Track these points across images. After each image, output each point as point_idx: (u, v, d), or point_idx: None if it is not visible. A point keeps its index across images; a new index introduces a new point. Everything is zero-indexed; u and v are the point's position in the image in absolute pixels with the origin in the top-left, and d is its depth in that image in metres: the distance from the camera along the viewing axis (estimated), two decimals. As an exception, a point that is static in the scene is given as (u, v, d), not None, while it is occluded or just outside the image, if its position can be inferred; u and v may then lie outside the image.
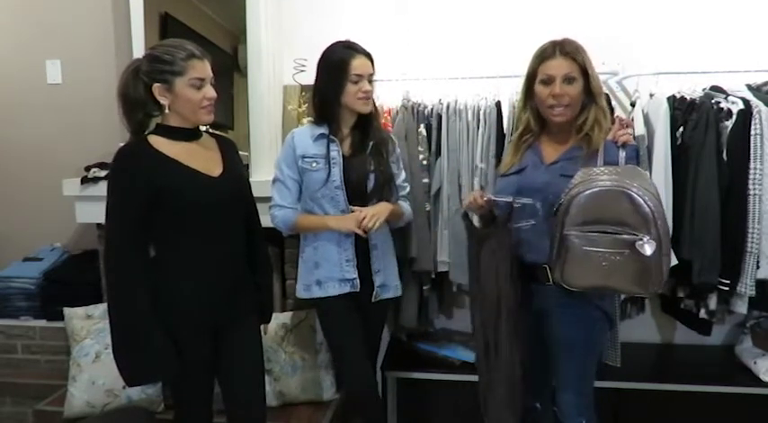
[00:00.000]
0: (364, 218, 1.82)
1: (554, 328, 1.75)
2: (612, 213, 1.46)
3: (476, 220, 1.87)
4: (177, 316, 1.60)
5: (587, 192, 1.47)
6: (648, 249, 1.44)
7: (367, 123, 1.94)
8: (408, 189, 2.11)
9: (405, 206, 2.05)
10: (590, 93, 1.68)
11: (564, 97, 1.66)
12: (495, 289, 1.74)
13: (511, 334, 1.74)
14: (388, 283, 2.01)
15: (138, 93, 1.56)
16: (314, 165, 1.90)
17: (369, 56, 1.90)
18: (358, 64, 1.86)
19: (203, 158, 1.63)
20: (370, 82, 1.89)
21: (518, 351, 1.75)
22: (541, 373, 1.85)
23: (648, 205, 1.44)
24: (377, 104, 2.04)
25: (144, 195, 1.51)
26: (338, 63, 1.86)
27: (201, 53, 1.57)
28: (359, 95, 1.87)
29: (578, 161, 1.65)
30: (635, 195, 1.44)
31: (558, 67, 1.66)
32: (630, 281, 1.51)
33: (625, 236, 1.46)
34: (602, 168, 1.53)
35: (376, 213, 1.85)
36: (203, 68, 1.57)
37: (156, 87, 1.54)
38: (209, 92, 1.58)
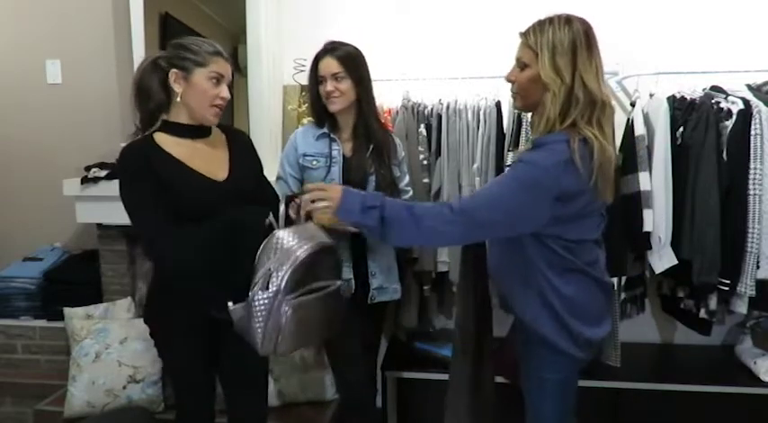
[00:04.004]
0: None
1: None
2: (313, 273, 1.44)
3: None
4: (178, 314, 1.60)
5: (288, 269, 1.39)
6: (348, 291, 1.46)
7: (367, 125, 1.94)
8: (411, 193, 2.10)
9: None
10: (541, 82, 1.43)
11: (513, 84, 1.52)
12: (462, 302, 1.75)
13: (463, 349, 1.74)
14: (386, 285, 2.00)
15: (153, 81, 1.56)
16: (314, 163, 1.92)
17: (336, 55, 1.87)
18: (322, 65, 1.88)
19: (209, 160, 1.61)
20: (338, 79, 1.86)
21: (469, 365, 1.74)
22: None
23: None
24: (376, 104, 2.02)
25: (154, 182, 1.50)
26: (311, 64, 1.92)
27: (227, 55, 1.59)
28: (323, 95, 1.89)
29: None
30: (319, 249, 1.42)
31: (518, 48, 1.50)
32: (327, 329, 1.53)
33: (330, 289, 1.47)
34: (287, 236, 1.43)
35: None
36: (225, 67, 1.59)
37: (174, 73, 1.54)
38: (224, 91, 1.59)
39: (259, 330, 1.39)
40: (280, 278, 1.37)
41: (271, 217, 1.48)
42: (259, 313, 1.38)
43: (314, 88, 1.92)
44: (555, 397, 1.57)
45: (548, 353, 1.52)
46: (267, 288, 1.37)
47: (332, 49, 1.88)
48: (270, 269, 1.38)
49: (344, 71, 1.87)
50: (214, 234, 1.49)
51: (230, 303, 1.41)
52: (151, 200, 1.50)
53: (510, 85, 1.54)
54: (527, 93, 1.48)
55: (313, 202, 1.48)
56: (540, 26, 1.44)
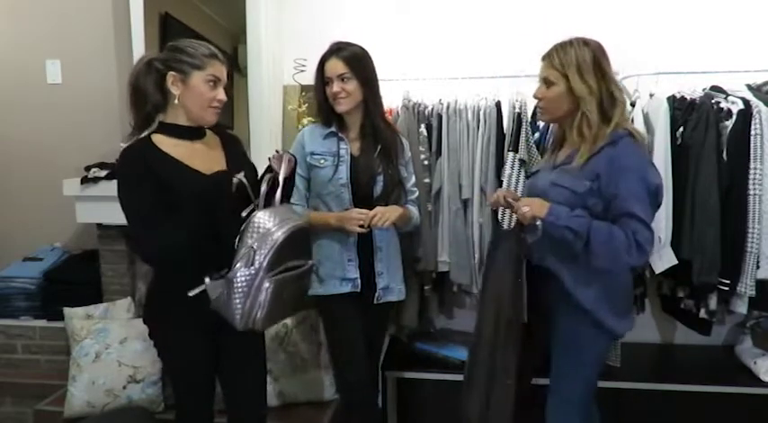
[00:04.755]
0: (374, 216, 1.82)
1: (555, 329, 1.76)
2: (290, 252, 1.50)
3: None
4: (177, 313, 1.61)
5: (271, 248, 1.45)
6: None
7: (374, 125, 1.94)
8: (417, 193, 2.09)
9: (413, 211, 2.03)
10: (575, 97, 1.64)
11: (540, 100, 1.73)
12: (500, 290, 1.77)
13: (507, 340, 1.76)
14: (392, 285, 2.00)
15: (149, 83, 1.57)
16: (322, 162, 1.92)
17: (342, 56, 1.87)
18: (327, 66, 1.88)
19: (207, 159, 1.62)
20: (344, 80, 1.86)
21: (513, 362, 1.76)
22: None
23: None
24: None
25: (153, 182, 1.51)
26: (318, 65, 1.92)
27: (223, 58, 1.61)
28: (330, 96, 1.90)
29: (568, 171, 1.66)
30: (296, 230, 1.49)
31: (541, 69, 1.71)
32: (297, 306, 1.66)
33: (304, 268, 1.56)
34: (266, 217, 1.48)
35: (386, 211, 1.85)
36: (222, 70, 1.60)
37: (171, 76, 1.55)
38: (221, 93, 1.60)
39: (239, 306, 1.45)
40: (263, 256, 1.43)
41: (240, 175, 1.53)
42: (240, 289, 1.44)
43: (320, 89, 1.92)
44: (590, 372, 1.75)
45: (597, 331, 1.69)
46: (252, 264, 1.43)
47: (337, 49, 1.88)
48: (253, 247, 1.44)
49: (350, 72, 1.87)
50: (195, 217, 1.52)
51: (207, 279, 1.45)
52: (150, 202, 1.50)
53: (537, 100, 1.75)
54: (556, 105, 1.68)
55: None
56: (562, 48, 1.65)
